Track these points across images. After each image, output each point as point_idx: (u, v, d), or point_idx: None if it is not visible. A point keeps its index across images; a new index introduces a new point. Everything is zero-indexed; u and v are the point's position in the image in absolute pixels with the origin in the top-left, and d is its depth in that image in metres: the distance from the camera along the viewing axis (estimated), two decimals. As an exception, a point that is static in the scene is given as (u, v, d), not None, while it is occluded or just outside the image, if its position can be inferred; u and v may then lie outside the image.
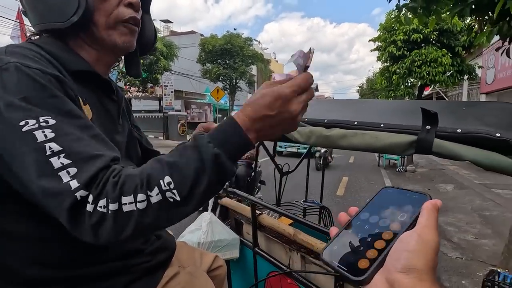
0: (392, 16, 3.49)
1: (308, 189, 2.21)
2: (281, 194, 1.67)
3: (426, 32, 7.64)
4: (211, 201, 1.21)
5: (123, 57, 0.75)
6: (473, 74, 8.51)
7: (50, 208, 0.43)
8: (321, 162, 7.50)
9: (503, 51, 2.48)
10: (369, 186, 6.83)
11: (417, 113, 0.77)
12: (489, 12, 2.23)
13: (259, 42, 30.77)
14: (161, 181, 0.43)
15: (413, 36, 7.76)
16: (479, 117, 0.74)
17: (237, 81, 19.12)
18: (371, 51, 9.19)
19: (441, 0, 2.27)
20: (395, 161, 9.15)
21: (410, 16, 3.02)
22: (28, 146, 0.43)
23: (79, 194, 0.42)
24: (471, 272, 2.90)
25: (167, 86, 15.51)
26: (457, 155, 0.69)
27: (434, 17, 2.77)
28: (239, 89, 19.75)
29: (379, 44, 8.89)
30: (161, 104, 16.28)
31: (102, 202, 0.42)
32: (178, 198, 0.43)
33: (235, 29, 20.61)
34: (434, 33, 7.70)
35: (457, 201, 5.46)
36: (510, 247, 2.85)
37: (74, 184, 0.42)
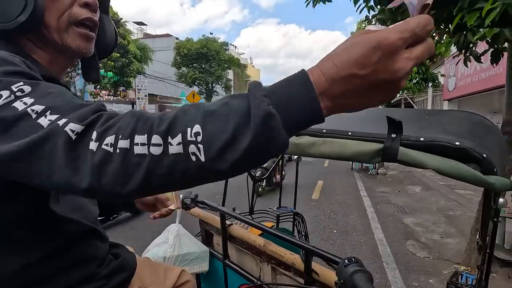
0: (363, 26, 3.61)
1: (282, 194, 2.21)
2: (254, 201, 1.64)
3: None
4: (179, 212, 1.15)
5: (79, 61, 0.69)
6: (436, 81, 9.06)
7: (46, 159, 0.35)
8: (264, 184, 5.72)
9: (459, 61, 2.66)
10: (343, 189, 7.00)
11: (383, 121, 0.78)
12: (449, 25, 2.37)
13: (235, 46, 30.86)
14: (188, 129, 0.33)
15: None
16: (441, 125, 0.76)
17: (214, 85, 19.01)
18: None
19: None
20: (367, 165, 9.49)
21: (379, 26, 3.15)
22: (10, 119, 0.36)
23: (69, 127, 0.35)
24: (438, 270, 3.04)
25: (141, 89, 15.05)
26: (420, 163, 0.70)
27: (400, 27, 2.92)
28: (216, 93, 19.63)
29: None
30: (134, 108, 15.76)
31: (109, 139, 0.34)
32: (202, 158, 0.33)
33: (211, 33, 20.56)
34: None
35: (424, 202, 5.74)
36: (471, 245, 3.02)
37: (62, 121, 0.35)
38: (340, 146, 0.84)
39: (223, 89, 20.75)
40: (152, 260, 0.90)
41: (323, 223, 4.41)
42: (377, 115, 1.03)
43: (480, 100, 9.91)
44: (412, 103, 18.62)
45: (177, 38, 24.27)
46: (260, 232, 1.08)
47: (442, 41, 2.38)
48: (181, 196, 1.16)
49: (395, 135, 0.75)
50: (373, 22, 3.17)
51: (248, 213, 1.63)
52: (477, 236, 0.97)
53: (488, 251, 0.87)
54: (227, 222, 1.10)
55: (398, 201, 5.86)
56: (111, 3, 0.76)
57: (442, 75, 9.45)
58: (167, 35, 27.36)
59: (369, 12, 2.89)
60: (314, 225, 4.27)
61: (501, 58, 2.25)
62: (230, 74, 25.16)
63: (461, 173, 0.66)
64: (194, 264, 1.10)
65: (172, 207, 0.85)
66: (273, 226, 1.58)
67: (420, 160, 0.70)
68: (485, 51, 2.24)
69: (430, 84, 9.25)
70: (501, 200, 1.21)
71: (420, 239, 3.89)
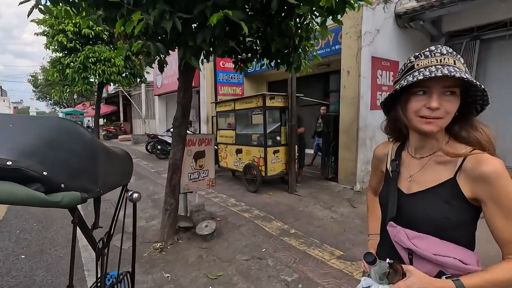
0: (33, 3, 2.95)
1: None
2: None
3: (97, 30, 7.64)
4: None
5: None
6: (143, 78, 9.86)
7: None
8: None
9: (146, 64, 2.93)
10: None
11: None
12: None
13: None
14: None
15: (84, 30, 7.47)
16: (9, 138, 0.64)
17: None
18: (36, 35, 7.70)
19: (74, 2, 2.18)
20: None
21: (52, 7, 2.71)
22: None
23: None
24: (140, 255, 3.26)
25: None
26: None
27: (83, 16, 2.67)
28: None
29: (46, 29, 7.66)
30: None
31: None
32: None
33: None
34: (105, 33, 7.91)
35: (138, 190, 6.09)
36: (163, 223, 3.56)
37: None
38: None
39: None
40: None
41: (6, 252, 3.34)
42: None
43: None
44: (129, 97, 19.34)
45: None
46: None
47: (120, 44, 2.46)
48: None
49: None
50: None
51: None
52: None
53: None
54: None
55: (115, 196, 5.78)
56: None
57: (147, 72, 10.43)
58: None
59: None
60: (-12, 259, 3.11)
61: (165, 67, 2.69)
62: None
63: (19, 197, 0.56)
64: None
65: None
66: None
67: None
68: (154, 60, 2.59)
69: (138, 80, 9.90)
70: (135, 195, 1.35)
71: (128, 230, 4.04)
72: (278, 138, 5.77)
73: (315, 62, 3.63)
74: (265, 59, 3.43)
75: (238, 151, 6.26)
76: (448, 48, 0.80)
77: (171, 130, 10.14)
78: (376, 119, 5.57)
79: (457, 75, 0.72)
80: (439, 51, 0.78)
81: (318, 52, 3.79)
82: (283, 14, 2.55)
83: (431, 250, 0.77)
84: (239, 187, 6.15)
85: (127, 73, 9.11)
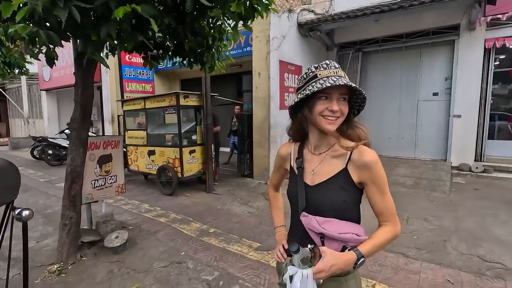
0: None
1: None
2: None
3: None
4: None
5: None
6: (25, 69, 8.16)
7: None
8: None
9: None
10: None
11: None
12: None
13: None
14: None
15: None
16: None
17: None
18: None
19: None
20: None
21: None
22: None
23: None
24: (29, 283, 2.73)
25: None
26: None
27: None
28: None
29: None
30: None
31: None
32: None
33: None
34: (-37, 9, 6.17)
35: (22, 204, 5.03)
36: (61, 241, 3.07)
37: None
38: None
39: None
40: None
41: None
42: None
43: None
44: (3, 91, 15.66)
45: None
46: None
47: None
48: None
49: None
50: None
51: None
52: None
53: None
54: None
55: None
56: None
57: (29, 63, 8.64)
58: None
59: None
60: None
61: (56, 60, 2.30)
62: None
63: None
64: None
65: None
66: None
67: None
68: (40, 51, 2.19)
69: (17, 71, 8.11)
70: (25, 212, 1.16)
71: (13, 255, 3.31)
72: (193, 137, 5.67)
73: (228, 62, 3.72)
74: (177, 57, 3.32)
75: (151, 153, 5.88)
76: (336, 63, 0.98)
77: (66, 131, 8.67)
78: (284, 119, 6.09)
79: (353, 85, 0.91)
80: (333, 65, 0.96)
81: (231, 52, 3.89)
82: (195, 13, 2.52)
83: (336, 230, 0.93)
84: (153, 191, 5.79)
85: (0, 61, 7.35)
